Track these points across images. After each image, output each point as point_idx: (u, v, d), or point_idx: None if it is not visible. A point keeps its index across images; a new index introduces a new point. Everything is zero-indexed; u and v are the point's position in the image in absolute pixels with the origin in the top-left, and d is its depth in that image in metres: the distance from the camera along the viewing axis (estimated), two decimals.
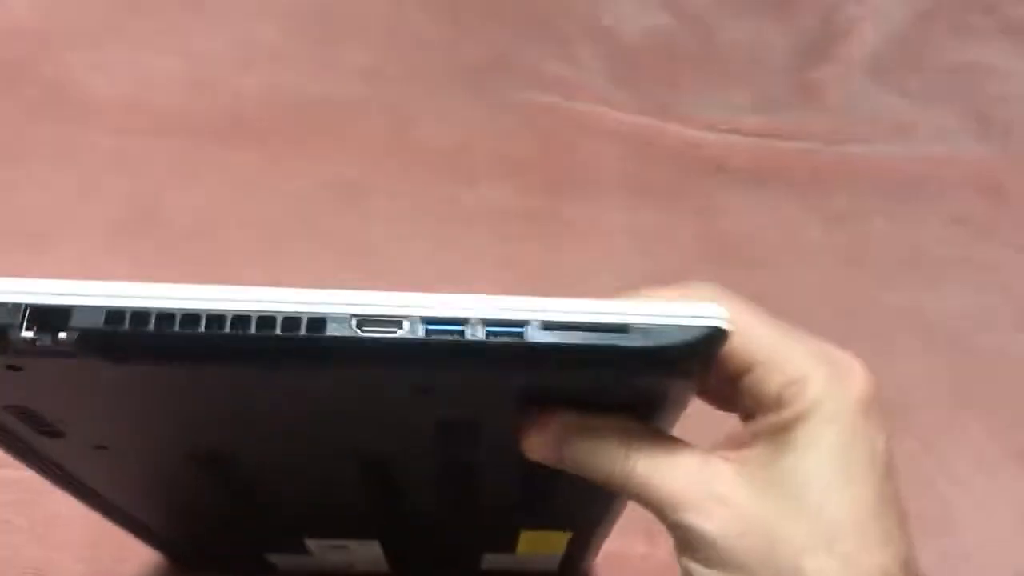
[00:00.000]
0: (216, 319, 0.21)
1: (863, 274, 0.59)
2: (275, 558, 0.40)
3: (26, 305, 0.21)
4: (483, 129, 0.65)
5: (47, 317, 0.21)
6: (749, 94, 0.71)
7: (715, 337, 0.22)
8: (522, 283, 0.56)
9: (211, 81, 0.65)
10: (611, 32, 0.74)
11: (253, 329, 0.21)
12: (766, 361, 0.24)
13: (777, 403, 0.24)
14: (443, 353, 0.22)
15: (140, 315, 0.21)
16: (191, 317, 0.21)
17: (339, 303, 0.21)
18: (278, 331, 0.21)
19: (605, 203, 0.61)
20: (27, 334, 0.21)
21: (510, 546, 0.38)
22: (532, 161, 0.64)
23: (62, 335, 0.21)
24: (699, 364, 0.23)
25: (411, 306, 0.21)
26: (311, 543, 0.38)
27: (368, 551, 0.39)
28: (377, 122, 0.64)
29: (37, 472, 0.30)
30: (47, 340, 0.21)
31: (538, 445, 0.25)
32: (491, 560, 0.40)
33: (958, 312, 0.58)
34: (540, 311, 0.22)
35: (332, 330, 0.21)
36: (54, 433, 0.27)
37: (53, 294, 0.21)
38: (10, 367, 0.22)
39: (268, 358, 0.21)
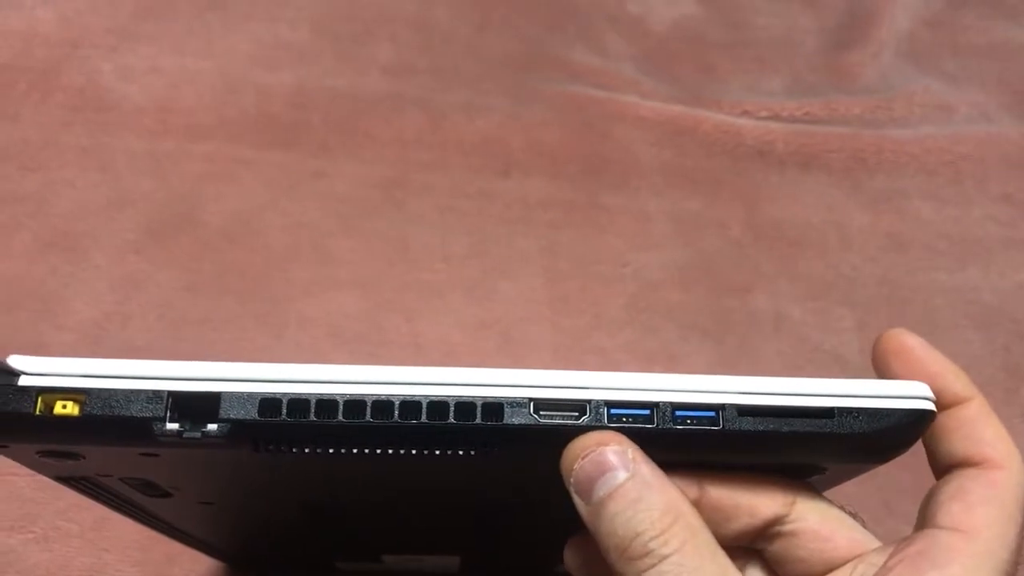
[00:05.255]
0: (383, 406, 0.19)
1: (911, 256, 0.58)
2: (344, 565, 0.39)
3: (168, 392, 0.19)
4: (515, 121, 0.64)
5: (193, 406, 0.19)
6: (782, 79, 0.70)
7: (922, 421, 0.21)
8: (570, 273, 0.55)
9: (239, 82, 0.64)
10: (639, 21, 0.73)
11: (424, 417, 0.19)
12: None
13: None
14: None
15: (298, 403, 0.19)
16: (355, 404, 0.19)
17: (515, 385, 0.20)
18: (451, 419, 0.19)
19: (644, 192, 0.60)
20: (172, 426, 0.19)
21: None
22: (567, 151, 0.63)
23: (211, 427, 0.19)
24: (901, 448, 0.22)
25: (593, 388, 0.20)
26: (388, 558, 0.37)
27: (444, 560, 0.37)
28: (408, 118, 0.64)
29: (116, 511, 0.28)
30: (195, 433, 0.19)
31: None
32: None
33: (1010, 290, 0.57)
34: (735, 393, 0.20)
35: (510, 417, 0.20)
36: (163, 495, 0.25)
37: (197, 379, 0.19)
38: (145, 454, 0.20)
39: (437, 446, 0.20)
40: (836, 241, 0.58)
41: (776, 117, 0.66)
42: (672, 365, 0.51)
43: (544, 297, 0.53)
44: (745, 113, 0.66)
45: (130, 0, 0.67)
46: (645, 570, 0.20)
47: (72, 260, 0.53)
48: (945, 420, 0.24)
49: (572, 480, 0.21)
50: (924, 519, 0.24)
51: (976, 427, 0.24)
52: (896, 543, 0.24)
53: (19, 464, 0.44)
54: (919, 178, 0.63)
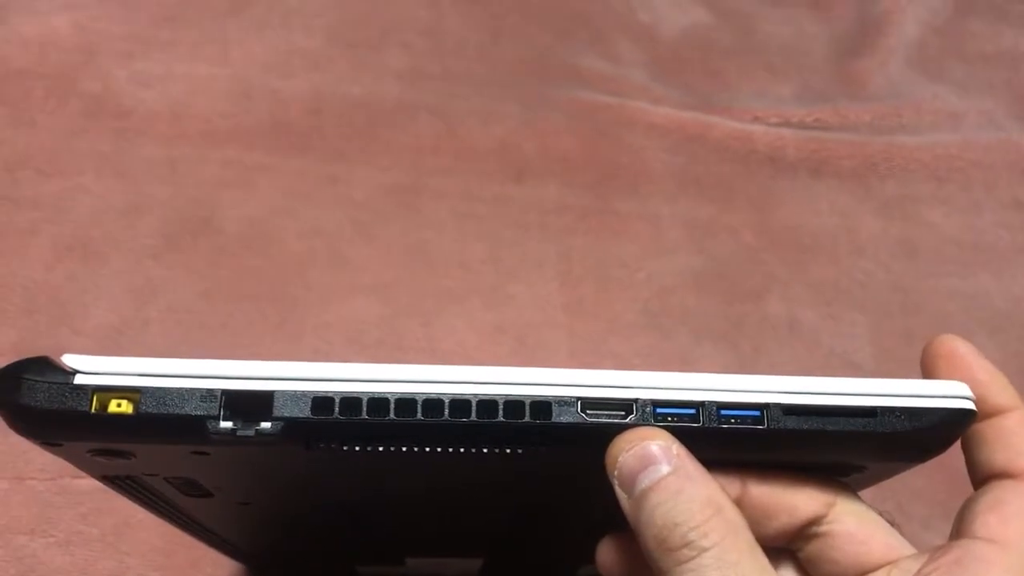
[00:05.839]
0: (433, 404, 0.20)
1: (923, 262, 0.59)
2: (366, 569, 0.39)
3: (222, 391, 0.19)
4: (528, 127, 0.64)
5: (247, 405, 0.19)
6: (792, 86, 0.70)
7: (963, 421, 0.21)
8: (584, 278, 0.55)
9: (254, 89, 0.65)
10: (649, 28, 0.74)
11: (474, 415, 0.20)
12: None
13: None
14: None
15: (350, 401, 0.19)
16: (406, 403, 0.19)
17: (563, 384, 0.20)
18: (501, 417, 0.20)
19: (657, 198, 0.61)
20: (226, 425, 0.19)
21: None
22: (579, 158, 0.63)
23: (264, 425, 0.19)
24: (942, 447, 0.22)
25: (640, 387, 0.21)
26: (411, 560, 0.37)
27: (466, 563, 0.38)
28: (422, 124, 0.64)
29: (150, 512, 0.28)
30: (248, 431, 0.19)
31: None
32: (587, 569, 0.39)
33: (1021, 295, 0.57)
34: (780, 393, 0.21)
35: (558, 415, 0.20)
36: (204, 495, 0.25)
37: (250, 377, 0.19)
38: (196, 452, 0.20)
39: (485, 444, 0.20)
40: (848, 247, 0.59)
41: (787, 123, 0.66)
42: (687, 370, 0.52)
43: (559, 302, 0.54)
44: (756, 119, 0.66)
45: (146, 7, 0.68)
46: (684, 562, 0.21)
47: (90, 266, 0.53)
48: (985, 429, 0.24)
49: (616, 473, 0.22)
50: (960, 529, 0.24)
51: (1015, 439, 0.24)
52: (931, 551, 0.24)
53: (37, 468, 0.44)
54: (929, 184, 0.64)
